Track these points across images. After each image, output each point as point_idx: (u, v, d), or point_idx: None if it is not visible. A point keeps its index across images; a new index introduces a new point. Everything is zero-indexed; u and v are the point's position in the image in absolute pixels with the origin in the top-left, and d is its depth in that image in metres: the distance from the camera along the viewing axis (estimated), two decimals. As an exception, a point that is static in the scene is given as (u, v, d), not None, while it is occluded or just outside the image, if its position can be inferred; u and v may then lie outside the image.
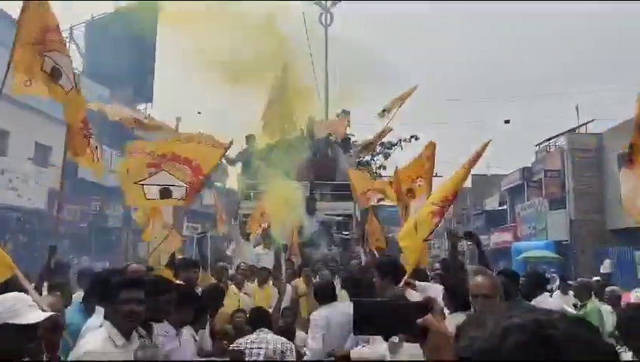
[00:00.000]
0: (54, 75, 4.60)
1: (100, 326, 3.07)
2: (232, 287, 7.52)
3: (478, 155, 4.90)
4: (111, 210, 27.24)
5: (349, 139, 11.73)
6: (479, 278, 3.27)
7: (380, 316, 1.30)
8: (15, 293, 2.48)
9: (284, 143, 11.36)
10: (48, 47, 4.54)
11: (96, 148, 5.21)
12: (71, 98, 4.72)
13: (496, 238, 30.96)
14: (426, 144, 5.98)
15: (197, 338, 4.16)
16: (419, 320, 1.27)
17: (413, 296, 4.00)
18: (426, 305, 1.30)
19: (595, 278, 9.59)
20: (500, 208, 33.80)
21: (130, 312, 2.96)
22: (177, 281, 4.75)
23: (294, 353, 4.70)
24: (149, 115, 9.95)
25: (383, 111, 11.90)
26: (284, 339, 4.74)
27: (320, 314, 5.12)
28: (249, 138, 11.76)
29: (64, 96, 4.67)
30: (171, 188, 5.76)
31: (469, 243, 7.05)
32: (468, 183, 25.82)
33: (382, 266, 4.53)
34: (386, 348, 3.64)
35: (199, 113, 31.63)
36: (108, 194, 29.22)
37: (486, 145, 5.02)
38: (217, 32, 9.60)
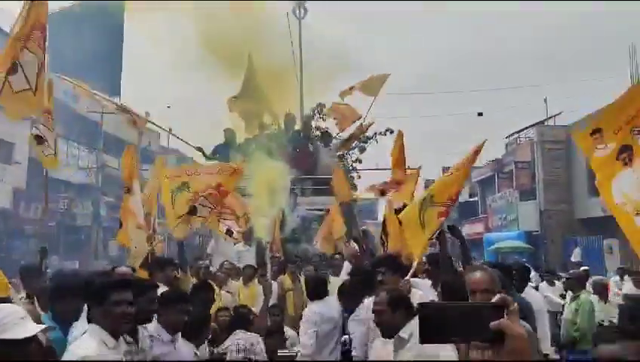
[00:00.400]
0: (12, 69, 4.57)
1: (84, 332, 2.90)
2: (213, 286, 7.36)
3: (475, 154, 4.97)
4: (79, 207, 26.59)
5: (329, 133, 11.61)
6: (478, 274, 3.23)
7: (449, 320, 1.18)
8: (6, 306, 2.31)
9: (264, 138, 11.17)
10: (28, 44, 4.55)
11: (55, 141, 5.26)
12: (20, 97, 4.64)
13: (467, 229, 31.29)
14: (396, 135, 6.10)
15: (198, 353, 3.97)
16: (493, 324, 1.15)
17: (417, 296, 3.93)
18: (502, 306, 1.18)
19: (582, 268, 9.75)
20: (471, 200, 34.25)
21: (123, 314, 2.89)
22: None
23: (262, 345, 4.75)
24: (121, 104, 9.58)
25: (351, 88, 11.69)
26: (254, 335, 4.79)
27: (312, 310, 5.03)
28: (227, 132, 11.51)
29: (10, 94, 4.59)
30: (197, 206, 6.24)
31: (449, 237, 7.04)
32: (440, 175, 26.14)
33: (394, 262, 4.45)
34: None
35: (169, 107, 31.15)
36: (76, 191, 28.53)
37: (482, 143, 5.10)
38: (187, 23, 9.37)
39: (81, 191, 28.34)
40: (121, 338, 3.04)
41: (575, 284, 6.53)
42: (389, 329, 3.31)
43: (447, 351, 3.10)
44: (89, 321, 2.93)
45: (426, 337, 1.19)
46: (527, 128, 27.50)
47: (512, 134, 28.74)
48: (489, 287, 3.23)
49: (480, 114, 25.28)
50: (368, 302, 4.72)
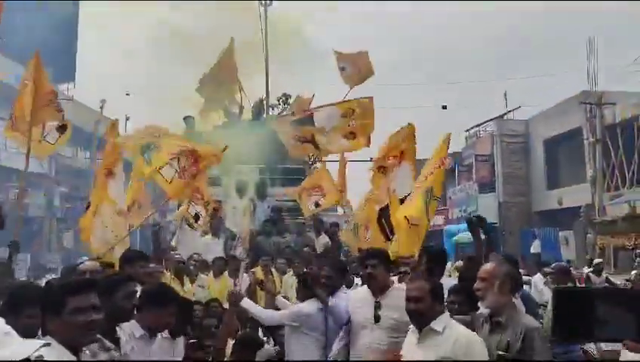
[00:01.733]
0: None
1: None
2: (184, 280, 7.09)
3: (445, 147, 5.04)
4: (31, 196, 25.46)
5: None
6: (489, 265, 3.21)
7: (595, 311, 0.94)
8: None
9: (231, 125, 10.85)
10: None
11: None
12: None
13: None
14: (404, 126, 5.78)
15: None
16: None
17: None
18: None
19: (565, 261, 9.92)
20: (432, 192, 34.68)
21: (86, 323, 2.39)
22: None
23: None
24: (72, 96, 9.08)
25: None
26: None
27: (303, 311, 4.71)
28: (187, 120, 11.11)
29: None
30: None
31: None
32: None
33: (387, 256, 4.29)
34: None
35: (127, 95, 30.20)
36: (27, 180, 27.31)
37: (448, 136, 5.18)
38: (149, 7, 8.99)
39: (32, 180, 27.17)
40: (97, 345, 2.69)
41: (561, 278, 6.52)
42: (423, 319, 3.13)
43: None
44: (44, 335, 2.42)
45: (562, 333, 0.95)
46: (487, 122, 27.99)
47: (473, 128, 29.22)
48: (487, 277, 3.16)
49: (444, 107, 25.52)
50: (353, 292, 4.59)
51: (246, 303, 4.75)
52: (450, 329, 3.10)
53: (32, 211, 25.65)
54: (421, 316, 3.14)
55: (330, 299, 4.54)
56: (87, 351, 2.53)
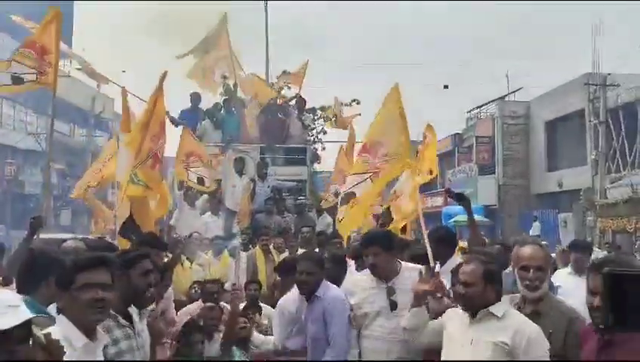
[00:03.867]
0: None
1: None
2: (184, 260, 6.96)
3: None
4: (27, 174, 25.28)
5: (304, 100, 11.17)
6: (531, 249, 3.03)
7: None
8: None
9: (233, 103, 10.66)
10: None
11: None
12: None
13: (426, 203, 31.69)
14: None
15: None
16: None
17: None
18: None
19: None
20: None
21: (93, 301, 2.32)
22: None
23: None
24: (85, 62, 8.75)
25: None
26: None
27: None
28: (193, 96, 10.93)
29: None
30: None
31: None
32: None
33: (389, 240, 3.88)
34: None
35: (124, 72, 29.79)
36: (23, 157, 27.10)
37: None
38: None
39: (29, 157, 26.97)
40: (112, 322, 2.64)
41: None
42: (474, 304, 2.89)
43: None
44: (58, 312, 2.41)
45: (619, 320, 0.82)
46: (488, 103, 27.76)
47: (473, 109, 29.00)
48: (543, 265, 3.02)
49: (446, 87, 25.26)
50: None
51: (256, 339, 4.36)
52: (512, 318, 2.85)
53: (29, 188, 25.51)
54: (471, 301, 2.89)
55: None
56: (101, 328, 2.46)
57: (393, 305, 3.64)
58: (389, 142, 4.60)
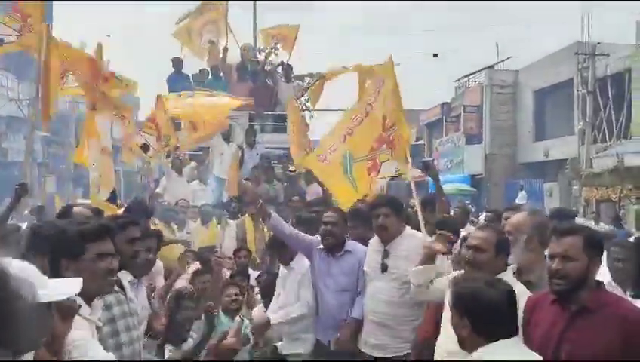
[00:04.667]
0: None
1: None
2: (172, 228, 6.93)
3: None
4: (10, 141, 24.84)
5: (291, 67, 10.95)
6: (522, 216, 3.03)
7: None
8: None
9: (220, 69, 10.45)
10: None
11: None
12: None
13: (414, 172, 31.80)
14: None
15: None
16: None
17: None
18: None
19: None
20: (418, 143, 34.58)
21: (108, 271, 2.34)
22: None
23: None
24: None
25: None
26: None
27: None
28: (174, 61, 10.70)
29: None
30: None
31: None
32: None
33: (398, 204, 4.09)
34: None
35: (108, 36, 29.12)
36: (5, 124, 26.56)
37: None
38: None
39: (12, 124, 26.45)
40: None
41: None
42: (481, 271, 2.78)
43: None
44: None
45: None
46: (477, 72, 27.60)
47: (462, 78, 28.83)
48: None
49: (435, 55, 25.00)
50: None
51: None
52: (519, 287, 2.74)
53: (12, 156, 25.12)
54: (479, 268, 2.79)
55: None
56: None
57: (384, 268, 3.82)
58: (390, 113, 4.55)
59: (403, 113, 4.57)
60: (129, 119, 8.92)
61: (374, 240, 4.03)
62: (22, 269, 1.52)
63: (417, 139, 35.06)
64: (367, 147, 4.64)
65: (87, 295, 2.21)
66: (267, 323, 4.17)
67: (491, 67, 27.13)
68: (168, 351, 3.60)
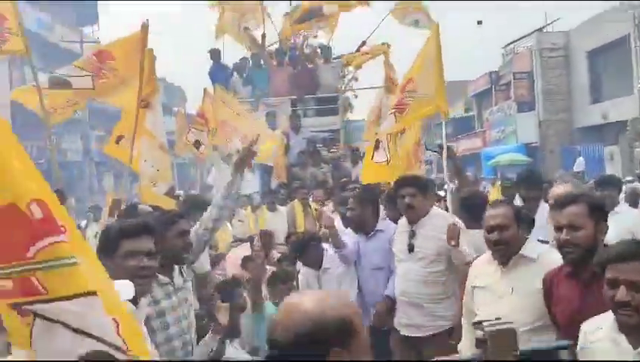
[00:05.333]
0: None
1: None
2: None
3: None
4: (68, 142, 25.87)
5: (329, 47, 10.83)
6: (565, 188, 2.89)
7: None
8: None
9: (260, 56, 10.46)
10: None
11: None
12: None
13: (464, 145, 31.10)
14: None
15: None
16: None
17: None
18: None
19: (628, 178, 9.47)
20: (467, 115, 33.75)
21: (138, 268, 2.25)
22: None
23: None
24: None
25: None
26: None
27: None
28: (212, 52, 10.74)
29: None
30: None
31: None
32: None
33: (424, 183, 4.07)
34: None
35: (150, 32, 29.69)
36: (63, 126, 27.65)
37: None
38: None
39: (68, 126, 27.52)
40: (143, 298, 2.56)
41: (634, 198, 6.05)
42: (510, 248, 2.73)
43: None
44: None
45: None
46: (525, 37, 26.55)
47: (510, 44, 27.80)
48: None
49: (479, 22, 24.15)
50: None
51: None
52: (549, 255, 2.68)
53: (71, 156, 26.17)
54: (508, 246, 2.72)
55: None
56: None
57: (410, 248, 3.81)
58: (420, 81, 4.43)
59: (443, 90, 4.37)
60: (181, 112, 9.07)
61: (402, 221, 4.01)
62: None
63: (466, 111, 34.24)
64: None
65: None
66: None
67: (540, 30, 26.03)
68: (233, 348, 3.59)
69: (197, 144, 7.89)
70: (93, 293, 1.37)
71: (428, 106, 4.48)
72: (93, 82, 5.32)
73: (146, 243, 2.31)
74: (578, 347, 2.10)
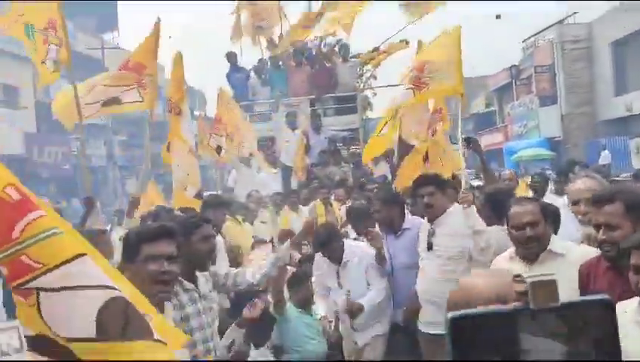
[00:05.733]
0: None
1: None
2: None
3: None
4: (92, 148, 26.31)
5: (348, 46, 10.79)
6: (586, 182, 2.84)
7: None
8: None
9: (278, 58, 10.49)
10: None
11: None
12: None
13: (486, 140, 30.79)
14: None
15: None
16: None
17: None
18: None
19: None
20: (488, 110, 33.40)
21: (157, 273, 2.17)
22: None
23: None
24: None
25: None
26: None
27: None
28: (230, 56, 10.80)
29: None
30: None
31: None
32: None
33: (443, 181, 4.05)
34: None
35: (170, 37, 30.04)
36: (87, 131, 28.11)
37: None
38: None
39: (92, 131, 28.00)
40: (178, 286, 2.57)
41: None
42: (541, 244, 2.70)
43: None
44: None
45: None
46: (545, 30, 26.16)
47: (530, 37, 27.42)
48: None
49: (498, 16, 23.84)
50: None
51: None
52: (575, 251, 2.66)
53: (95, 161, 26.60)
54: (539, 242, 2.69)
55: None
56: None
57: (429, 246, 3.80)
58: (440, 64, 4.44)
59: (461, 76, 4.40)
60: (202, 115, 9.19)
61: (425, 220, 4.02)
62: None
63: (487, 106, 33.88)
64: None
65: (147, 298, 2.03)
66: (361, 308, 4.04)
67: (561, 22, 25.63)
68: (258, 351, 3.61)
69: (218, 149, 7.98)
70: (84, 255, 1.42)
71: (446, 87, 4.52)
72: (140, 94, 5.59)
73: (166, 246, 2.25)
74: None
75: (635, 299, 2.01)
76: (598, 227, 2.32)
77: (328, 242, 4.19)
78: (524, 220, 2.71)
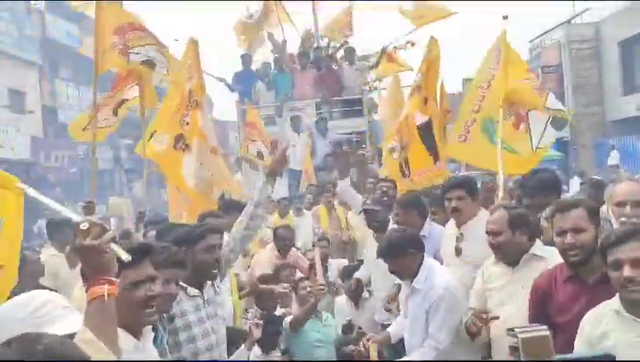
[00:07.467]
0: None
1: None
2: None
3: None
4: (99, 151, 26.46)
5: (353, 48, 10.72)
6: (628, 185, 2.89)
7: None
8: (42, 293, 1.76)
9: (283, 61, 10.44)
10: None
11: None
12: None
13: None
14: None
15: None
16: None
17: None
18: None
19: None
20: (495, 110, 33.25)
21: (145, 299, 2.01)
22: None
23: None
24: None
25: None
26: None
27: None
28: (244, 57, 10.77)
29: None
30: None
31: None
32: (459, 88, 24.89)
33: (474, 186, 3.97)
34: None
35: (176, 40, 30.11)
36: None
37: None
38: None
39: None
40: (182, 293, 2.57)
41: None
42: (504, 252, 2.88)
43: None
44: None
45: None
46: (552, 30, 25.98)
47: (537, 37, 27.23)
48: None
49: (505, 17, 23.60)
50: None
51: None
52: (557, 255, 2.62)
53: (102, 165, 26.69)
54: (500, 250, 2.88)
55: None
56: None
57: (458, 251, 3.66)
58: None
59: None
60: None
61: (450, 224, 3.88)
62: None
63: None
64: (497, 107, 4.64)
65: (129, 326, 1.97)
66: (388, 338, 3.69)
67: (568, 22, 25.44)
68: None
69: (260, 156, 8.10)
70: None
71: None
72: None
73: (147, 268, 2.06)
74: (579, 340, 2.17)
75: (604, 307, 2.14)
76: (563, 233, 2.42)
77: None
78: (488, 228, 2.97)
